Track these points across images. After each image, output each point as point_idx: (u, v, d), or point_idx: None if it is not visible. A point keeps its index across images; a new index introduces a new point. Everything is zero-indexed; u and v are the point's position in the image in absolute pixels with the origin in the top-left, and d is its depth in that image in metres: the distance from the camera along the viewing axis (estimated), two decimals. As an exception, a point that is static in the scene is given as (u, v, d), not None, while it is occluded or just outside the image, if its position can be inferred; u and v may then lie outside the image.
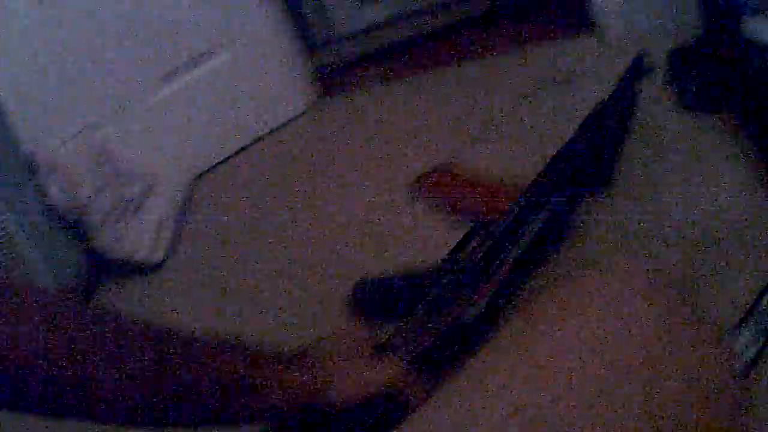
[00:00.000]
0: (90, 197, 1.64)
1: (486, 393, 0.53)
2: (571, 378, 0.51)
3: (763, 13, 1.78)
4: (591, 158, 1.39)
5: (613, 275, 0.62)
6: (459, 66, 2.46)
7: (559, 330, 0.56)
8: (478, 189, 1.49)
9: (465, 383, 0.57)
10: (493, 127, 1.86)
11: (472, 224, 1.30)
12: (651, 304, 0.57)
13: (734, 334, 0.99)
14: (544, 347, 0.55)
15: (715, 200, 1.32)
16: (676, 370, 0.53)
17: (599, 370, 0.51)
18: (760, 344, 0.98)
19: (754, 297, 1.04)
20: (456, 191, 1.52)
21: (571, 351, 0.54)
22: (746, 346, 0.98)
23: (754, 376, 0.93)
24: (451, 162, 1.66)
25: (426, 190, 1.58)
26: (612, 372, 0.51)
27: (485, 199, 1.44)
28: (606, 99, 1.61)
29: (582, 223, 1.33)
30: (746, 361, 0.95)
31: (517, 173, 1.47)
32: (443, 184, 1.57)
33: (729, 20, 1.83)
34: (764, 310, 1.03)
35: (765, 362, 0.95)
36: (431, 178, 1.61)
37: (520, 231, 1.18)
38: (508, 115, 1.90)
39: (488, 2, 3.12)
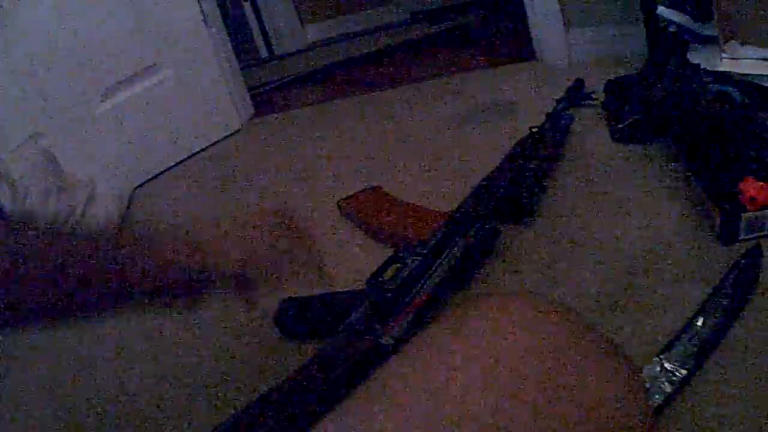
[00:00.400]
0: (38, 203, 1.68)
1: (381, 409, 0.54)
2: (461, 399, 0.52)
3: (713, 42, 1.88)
4: (515, 188, 1.43)
5: (511, 304, 0.62)
6: (396, 89, 2.51)
7: (451, 353, 0.56)
8: (403, 213, 1.51)
9: (363, 399, 0.58)
10: (425, 152, 1.89)
11: (394, 248, 1.30)
12: (548, 334, 0.57)
13: (652, 368, 1.00)
14: (437, 369, 0.55)
15: (645, 229, 1.35)
16: (572, 401, 0.53)
17: (489, 394, 0.52)
18: (680, 378, 0.99)
19: (679, 327, 1.06)
20: (381, 215, 1.53)
21: (461, 373, 0.54)
22: (664, 381, 0.99)
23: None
24: (378, 185, 1.67)
25: (352, 212, 1.59)
26: (502, 396, 0.51)
27: (409, 224, 1.45)
28: (538, 127, 1.65)
29: (504, 251, 1.33)
30: (662, 397, 0.96)
31: (443, 199, 1.51)
32: (369, 207, 1.58)
33: (675, 51, 1.93)
34: (686, 342, 1.04)
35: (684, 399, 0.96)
36: (357, 200, 1.62)
37: (440, 259, 1.20)
38: (442, 140, 1.94)
39: (429, 27, 3.24)
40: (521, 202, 1.41)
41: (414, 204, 1.55)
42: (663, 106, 1.69)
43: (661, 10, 1.94)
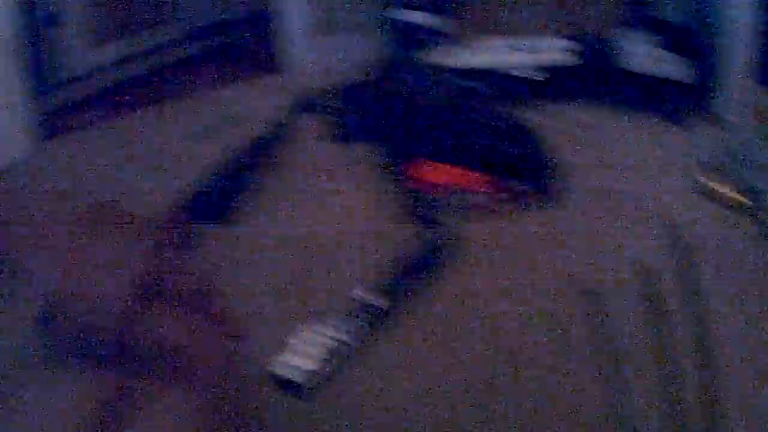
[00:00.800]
0: None
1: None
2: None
3: (458, 39, 1.99)
4: (216, 191, 1.59)
5: None
6: (156, 107, 2.61)
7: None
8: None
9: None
10: (162, 167, 2.02)
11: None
12: None
13: (306, 335, 1.14)
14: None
15: (338, 218, 1.50)
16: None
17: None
18: (340, 346, 1.12)
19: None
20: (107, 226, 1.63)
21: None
22: (322, 348, 1.11)
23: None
24: (111, 199, 1.75)
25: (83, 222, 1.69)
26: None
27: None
28: (258, 137, 1.80)
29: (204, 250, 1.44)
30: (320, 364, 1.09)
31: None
32: (98, 219, 1.67)
33: (413, 51, 2.04)
34: (353, 315, 1.18)
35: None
36: (89, 212, 1.72)
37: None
38: (179, 155, 2.07)
39: (199, 45, 3.29)
40: (221, 203, 1.57)
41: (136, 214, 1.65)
42: (387, 105, 1.83)
43: (401, 12, 2.07)
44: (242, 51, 3.09)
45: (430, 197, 1.42)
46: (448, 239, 1.37)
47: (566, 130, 1.95)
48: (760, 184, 1.72)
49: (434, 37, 2.03)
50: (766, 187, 1.71)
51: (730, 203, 1.73)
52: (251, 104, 2.32)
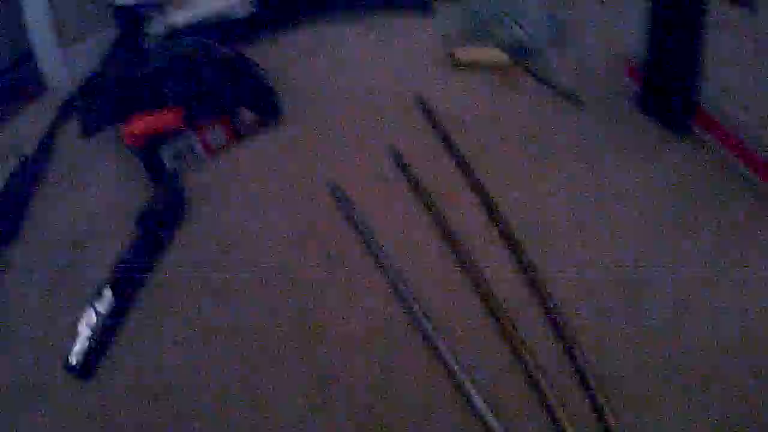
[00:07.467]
0: None
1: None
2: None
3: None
4: None
5: None
6: None
7: None
8: None
9: None
10: None
11: None
12: None
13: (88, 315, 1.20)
14: None
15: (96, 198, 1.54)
16: None
17: None
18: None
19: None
20: None
21: None
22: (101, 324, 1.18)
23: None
24: None
25: None
26: None
27: None
28: (26, 155, 1.73)
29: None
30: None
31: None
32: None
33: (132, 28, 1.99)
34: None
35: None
36: None
37: None
38: None
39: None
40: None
41: None
42: (113, 87, 1.78)
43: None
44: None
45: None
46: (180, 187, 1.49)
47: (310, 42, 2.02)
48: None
49: (149, 9, 1.98)
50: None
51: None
52: (21, 129, 2.04)
